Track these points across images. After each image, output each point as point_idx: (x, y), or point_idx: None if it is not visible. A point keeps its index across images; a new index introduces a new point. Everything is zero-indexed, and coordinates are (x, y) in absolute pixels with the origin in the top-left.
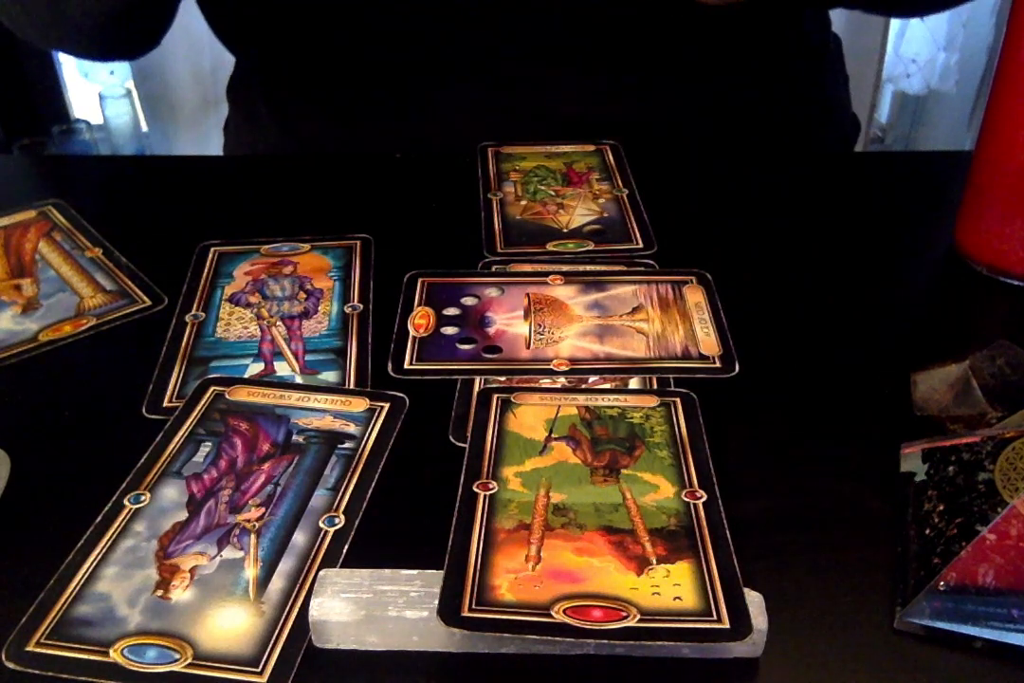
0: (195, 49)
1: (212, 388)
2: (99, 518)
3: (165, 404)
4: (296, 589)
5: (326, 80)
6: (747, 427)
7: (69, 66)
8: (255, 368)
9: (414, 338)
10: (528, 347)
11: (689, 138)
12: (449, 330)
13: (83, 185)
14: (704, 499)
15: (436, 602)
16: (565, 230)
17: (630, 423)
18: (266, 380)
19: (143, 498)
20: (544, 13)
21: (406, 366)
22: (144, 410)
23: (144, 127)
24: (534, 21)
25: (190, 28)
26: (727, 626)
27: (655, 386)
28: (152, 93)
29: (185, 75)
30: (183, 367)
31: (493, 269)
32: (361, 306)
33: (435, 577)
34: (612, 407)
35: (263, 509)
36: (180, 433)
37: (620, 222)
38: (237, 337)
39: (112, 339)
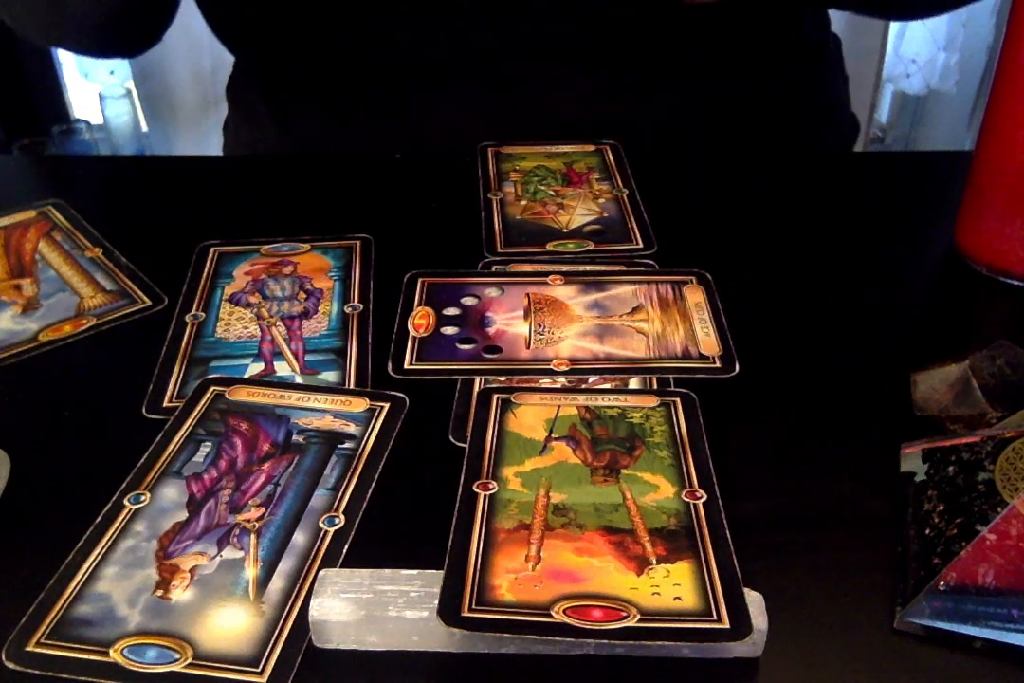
0: (195, 49)
1: (212, 388)
2: (99, 518)
3: (165, 404)
4: (296, 589)
5: (326, 80)
6: (747, 427)
7: (69, 66)
8: (255, 368)
9: (414, 338)
10: (528, 347)
11: (689, 138)
12: (449, 330)
13: (83, 185)
14: (704, 499)
15: (436, 602)
16: (565, 230)
17: (630, 423)
18: (266, 380)
19: (143, 498)
20: (544, 13)
21: (406, 366)
22: (144, 410)
23: (144, 127)
24: (534, 21)
25: (190, 28)
26: (727, 626)
27: (655, 386)
28: (152, 93)
29: (185, 75)
30: (183, 367)
31: (493, 269)
32: (361, 306)
33: (435, 577)
34: (612, 407)
35: (263, 509)
36: (180, 433)
37: (620, 222)
38: (237, 337)
39: (112, 339)
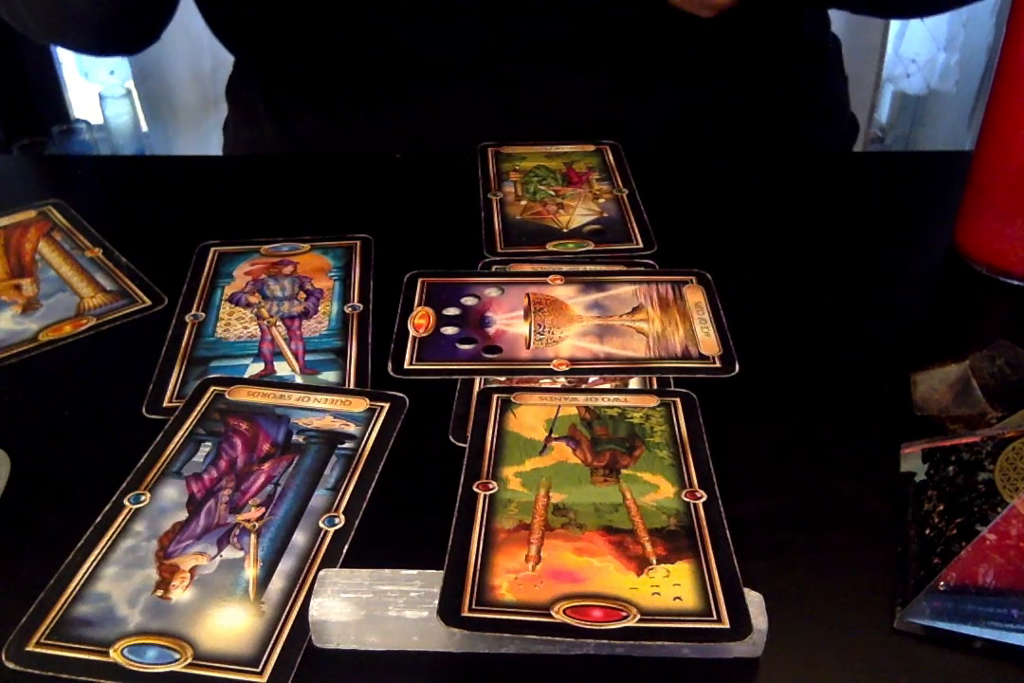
0: (195, 49)
1: (212, 388)
2: (99, 518)
3: (165, 404)
4: (296, 589)
5: (326, 80)
6: (747, 427)
7: (69, 66)
8: (255, 368)
9: (414, 338)
10: (528, 347)
11: (689, 138)
12: (449, 330)
13: (83, 185)
14: (704, 499)
15: (436, 602)
16: (565, 230)
17: (630, 423)
18: (266, 380)
19: (143, 498)
20: (544, 13)
21: (406, 366)
22: (144, 410)
23: (144, 127)
24: (534, 21)
25: (190, 28)
26: (727, 626)
27: (655, 386)
28: (152, 93)
29: (185, 75)
30: (183, 367)
31: (493, 269)
32: (361, 306)
33: (435, 577)
34: (612, 407)
35: (263, 509)
36: (180, 433)
37: (620, 222)
38: (237, 337)
39: (112, 339)
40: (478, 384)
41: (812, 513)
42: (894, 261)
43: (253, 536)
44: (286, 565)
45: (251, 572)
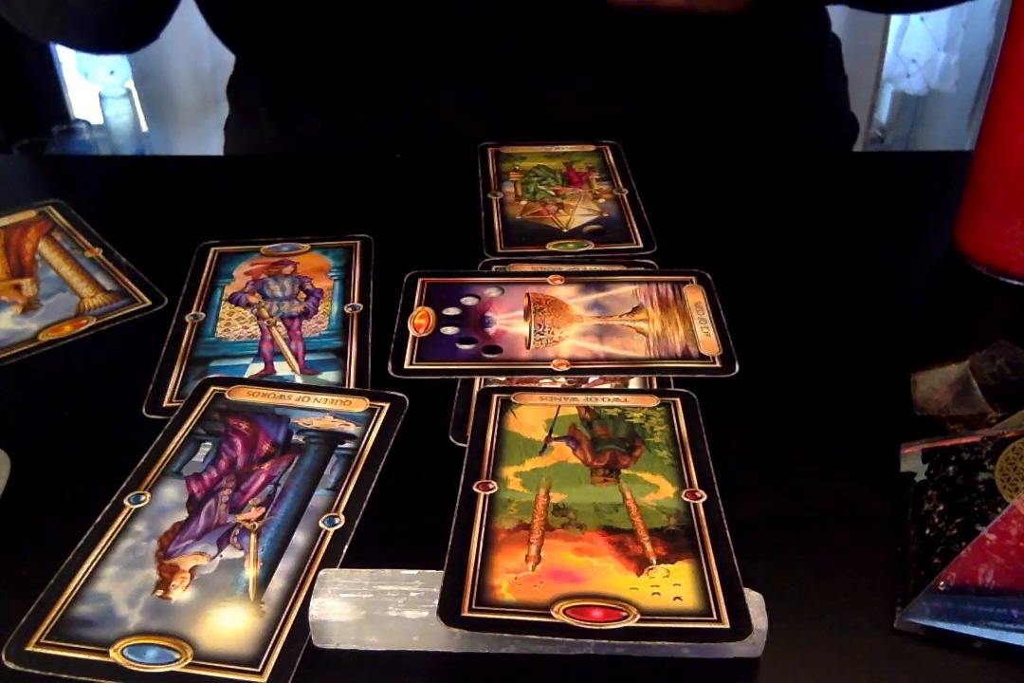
0: (195, 49)
1: (212, 388)
2: (99, 518)
3: (165, 404)
4: (296, 589)
5: (325, 80)
6: (747, 427)
7: (69, 66)
8: (255, 368)
9: (414, 338)
10: (528, 347)
11: (689, 138)
12: (449, 330)
13: (83, 185)
14: (704, 499)
15: (436, 602)
16: (565, 230)
17: (630, 423)
18: (266, 380)
19: (143, 498)
20: (544, 13)
21: (406, 366)
22: (144, 410)
23: (144, 127)
24: (534, 21)
25: (190, 28)
26: (727, 626)
27: (655, 386)
28: (152, 93)
29: (185, 75)
30: (183, 367)
31: (493, 269)
32: (361, 306)
33: (435, 577)
34: (612, 407)
35: (263, 509)
36: (180, 433)
37: (620, 222)
38: (237, 337)
39: (112, 339)
40: (478, 384)
41: (812, 513)
42: (894, 261)
43: (253, 536)
44: (286, 565)
45: (251, 572)
